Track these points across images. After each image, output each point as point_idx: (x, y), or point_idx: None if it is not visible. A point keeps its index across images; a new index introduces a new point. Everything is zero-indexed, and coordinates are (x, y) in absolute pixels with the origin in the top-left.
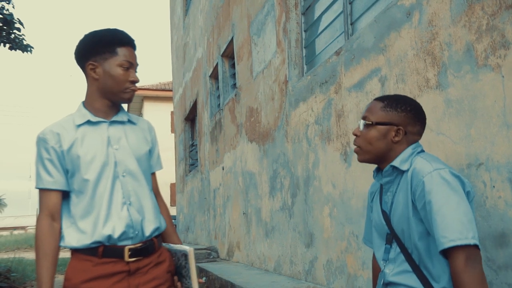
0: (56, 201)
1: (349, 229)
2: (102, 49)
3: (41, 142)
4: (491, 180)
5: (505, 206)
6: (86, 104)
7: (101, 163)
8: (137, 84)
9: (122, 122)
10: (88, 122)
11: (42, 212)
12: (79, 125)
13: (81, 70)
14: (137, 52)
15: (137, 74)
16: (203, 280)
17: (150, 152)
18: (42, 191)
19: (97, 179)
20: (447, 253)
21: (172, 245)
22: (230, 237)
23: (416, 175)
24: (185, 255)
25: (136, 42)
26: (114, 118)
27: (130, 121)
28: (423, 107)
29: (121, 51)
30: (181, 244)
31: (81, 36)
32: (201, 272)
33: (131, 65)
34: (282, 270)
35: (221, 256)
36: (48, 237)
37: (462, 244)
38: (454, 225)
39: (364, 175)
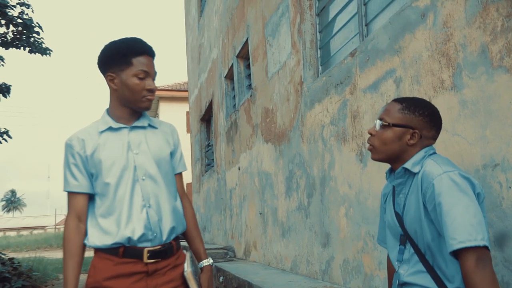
0: (82, 204)
1: (365, 229)
2: (118, 61)
3: (68, 147)
4: (507, 181)
5: None
6: (109, 111)
7: (121, 167)
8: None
9: (143, 127)
10: (110, 129)
11: (69, 214)
12: (102, 132)
13: (99, 73)
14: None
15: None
16: (220, 280)
17: (172, 154)
18: (69, 194)
19: (117, 183)
20: (458, 254)
21: (186, 261)
22: (247, 237)
23: (426, 178)
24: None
25: (154, 49)
26: (135, 124)
27: (151, 126)
28: (438, 108)
29: (137, 61)
30: (203, 249)
31: (99, 41)
32: (218, 271)
33: (147, 74)
34: (299, 270)
35: (238, 255)
36: (75, 237)
37: (472, 246)
38: (463, 227)
39: (379, 175)
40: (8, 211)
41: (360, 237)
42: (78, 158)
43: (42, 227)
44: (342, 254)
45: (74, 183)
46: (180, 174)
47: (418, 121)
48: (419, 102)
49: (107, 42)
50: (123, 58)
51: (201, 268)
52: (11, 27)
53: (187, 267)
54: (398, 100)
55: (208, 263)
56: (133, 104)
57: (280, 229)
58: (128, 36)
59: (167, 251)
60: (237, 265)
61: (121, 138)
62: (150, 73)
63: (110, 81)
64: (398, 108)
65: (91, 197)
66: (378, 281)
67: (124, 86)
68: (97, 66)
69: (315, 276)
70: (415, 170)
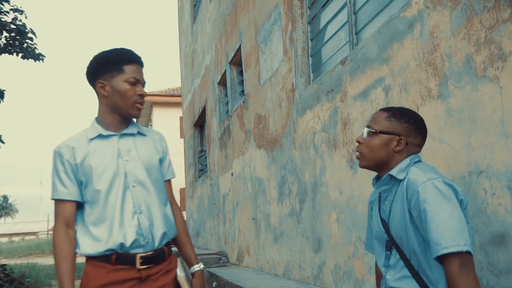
0: (71, 211)
1: (356, 234)
2: (109, 68)
3: (57, 155)
4: (491, 188)
5: (505, 213)
6: (98, 119)
7: (111, 174)
8: (146, 90)
9: (132, 135)
10: (100, 136)
11: (58, 221)
12: (91, 139)
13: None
14: (146, 58)
15: (147, 81)
16: (213, 285)
17: (161, 161)
18: (58, 201)
19: (108, 190)
20: (442, 259)
21: (178, 266)
22: (240, 242)
23: (411, 185)
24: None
25: (143, 59)
26: (125, 131)
27: (140, 133)
28: (425, 116)
29: (128, 69)
30: (194, 255)
31: (92, 47)
32: (211, 277)
33: (138, 81)
34: (291, 275)
35: (231, 261)
36: (65, 244)
37: (456, 251)
38: (447, 233)
39: (370, 182)
40: (0, 217)
41: (351, 242)
42: (68, 166)
43: (35, 233)
44: (333, 259)
45: (63, 191)
46: (169, 181)
47: (404, 128)
48: (405, 110)
49: (99, 49)
50: (114, 65)
51: (193, 273)
52: (4, 33)
53: (180, 272)
54: (384, 109)
55: (199, 268)
56: (123, 110)
57: (272, 235)
58: (119, 46)
59: (159, 257)
60: (230, 270)
61: (111, 145)
62: (140, 81)
63: (100, 88)
64: (385, 116)
65: (79, 206)
66: (369, 286)
67: (116, 92)
68: (86, 76)
69: (307, 281)
70: (400, 177)
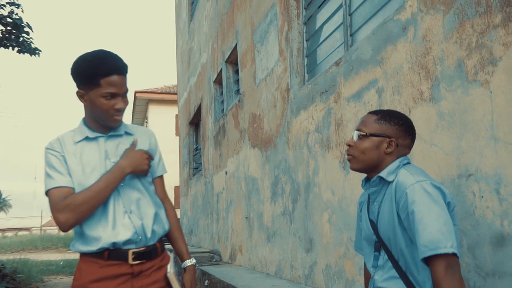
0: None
1: (347, 235)
2: (86, 80)
3: (49, 151)
4: (480, 191)
5: (492, 216)
6: (85, 120)
7: (99, 176)
8: (142, 87)
9: (119, 135)
10: (86, 138)
11: (62, 201)
12: (78, 142)
13: None
14: (143, 55)
15: (143, 78)
16: (206, 283)
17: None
18: (56, 189)
19: None
20: (428, 261)
21: (170, 262)
22: (233, 241)
23: (400, 187)
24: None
25: (125, 64)
26: (112, 133)
27: (127, 133)
28: (417, 119)
29: (105, 82)
30: (186, 250)
31: (89, 42)
32: (203, 275)
33: (115, 94)
34: (283, 274)
35: (223, 259)
36: (76, 194)
37: (442, 253)
38: (434, 234)
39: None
40: None
41: (342, 242)
42: (61, 158)
43: (28, 229)
44: (324, 259)
45: (61, 178)
46: (161, 177)
47: (394, 130)
48: (394, 113)
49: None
50: (91, 78)
51: (184, 268)
52: (1, 27)
53: (170, 268)
54: (373, 112)
55: (191, 263)
56: (102, 121)
57: (265, 234)
58: (116, 42)
59: (151, 252)
60: (222, 269)
61: (98, 147)
62: (118, 93)
63: (80, 97)
64: (374, 119)
65: None
66: (359, 286)
67: (93, 104)
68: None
69: (298, 281)
70: (390, 179)
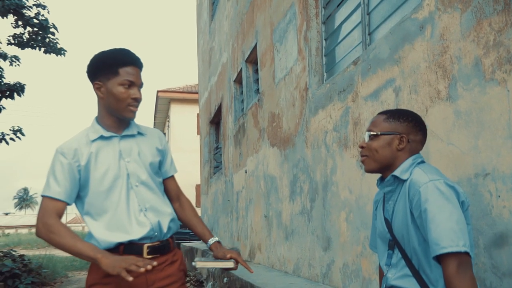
0: (62, 209)
1: (364, 233)
2: (105, 70)
3: (58, 155)
4: (496, 190)
5: (509, 215)
6: (98, 119)
7: (113, 176)
8: (164, 86)
9: (132, 135)
10: (101, 137)
11: (50, 214)
12: (93, 140)
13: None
14: (165, 54)
15: (165, 77)
16: (224, 281)
17: (162, 159)
18: (48, 199)
19: (111, 191)
20: (440, 259)
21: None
22: (252, 239)
23: (413, 185)
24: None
25: (141, 61)
26: (125, 132)
27: (140, 133)
28: (434, 118)
29: (123, 71)
30: (208, 231)
31: (112, 42)
32: (222, 272)
33: (133, 83)
34: (301, 273)
35: (243, 257)
36: (62, 228)
37: (454, 251)
38: (446, 233)
39: None
40: (21, 208)
41: (359, 241)
42: (67, 168)
43: None
44: (342, 258)
45: (57, 190)
46: (173, 176)
47: (404, 126)
48: (402, 111)
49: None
50: (109, 67)
51: (210, 247)
52: (28, 28)
53: (197, 260)
54: (382, 112)
55: (215, 240)
56: (118, 112)
57: (283, 232)
58: (138, 43)
59: (165, 247)
60: (241, 266)
61: (112, 147)
62: (136, 83)
63: (97, 89)
64: (384, 118)
65: (88, 207)
66: (376, 285)
67: (110, 94)
68: (86, 75)
69: (316, 279)
70: (404, 177)
